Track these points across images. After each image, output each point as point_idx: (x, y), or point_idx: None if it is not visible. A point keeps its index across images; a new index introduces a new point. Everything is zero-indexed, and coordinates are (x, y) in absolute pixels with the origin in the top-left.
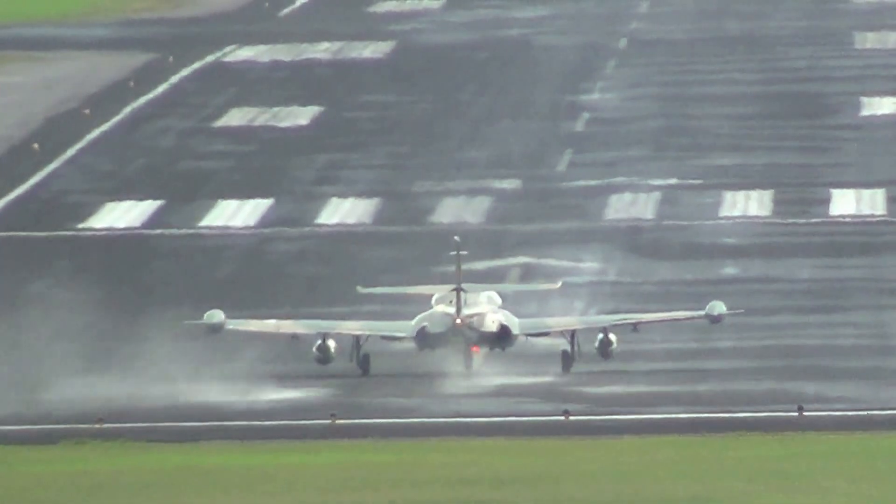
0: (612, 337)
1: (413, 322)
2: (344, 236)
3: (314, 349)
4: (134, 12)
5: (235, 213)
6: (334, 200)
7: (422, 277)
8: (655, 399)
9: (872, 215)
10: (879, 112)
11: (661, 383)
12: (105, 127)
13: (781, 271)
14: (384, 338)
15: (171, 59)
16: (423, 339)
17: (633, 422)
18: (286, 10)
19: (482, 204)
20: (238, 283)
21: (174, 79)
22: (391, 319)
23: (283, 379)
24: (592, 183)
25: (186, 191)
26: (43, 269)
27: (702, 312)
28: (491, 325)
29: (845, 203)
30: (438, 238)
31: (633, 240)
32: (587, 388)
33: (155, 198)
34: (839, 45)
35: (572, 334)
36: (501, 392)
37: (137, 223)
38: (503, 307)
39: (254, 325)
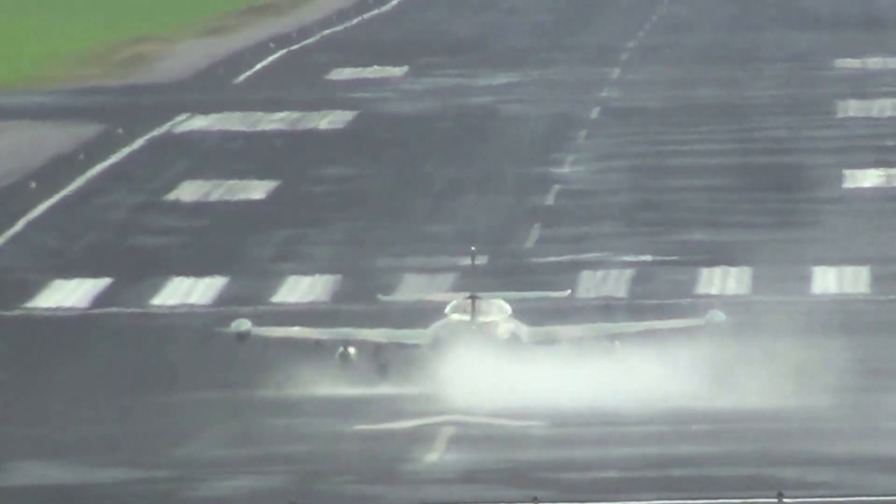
0: (617, 343)
1: (429, 330)
2: (302, 315)
3: (336, 356)
4: (83, 80)
5: (189, 292)
6: (292, 278)
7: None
8: (627, 485)
9: (855, 294)
10: (863, 185)
11: (634, 468)
12: (52, 201)
13: (759, 352)
14: (402, 345)
15: (120, 130)
16: (439, 346)
17: None
18: (241, 78)
19: (446, 281)
20: (191, 363)
21: (124, 150)
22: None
23: (239, 463)
24: (562, 259)
25: (137, 268)
26: None
27: (702, 321)
28: (503, 333)
29: (827, 281)
30: (399, 316)
31: (604, 319)
32: (557, 473)
33: (104, 275)
34: (820, 115)
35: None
36: (469, 477)
37: (85, 303)
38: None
39: (279, 332)
